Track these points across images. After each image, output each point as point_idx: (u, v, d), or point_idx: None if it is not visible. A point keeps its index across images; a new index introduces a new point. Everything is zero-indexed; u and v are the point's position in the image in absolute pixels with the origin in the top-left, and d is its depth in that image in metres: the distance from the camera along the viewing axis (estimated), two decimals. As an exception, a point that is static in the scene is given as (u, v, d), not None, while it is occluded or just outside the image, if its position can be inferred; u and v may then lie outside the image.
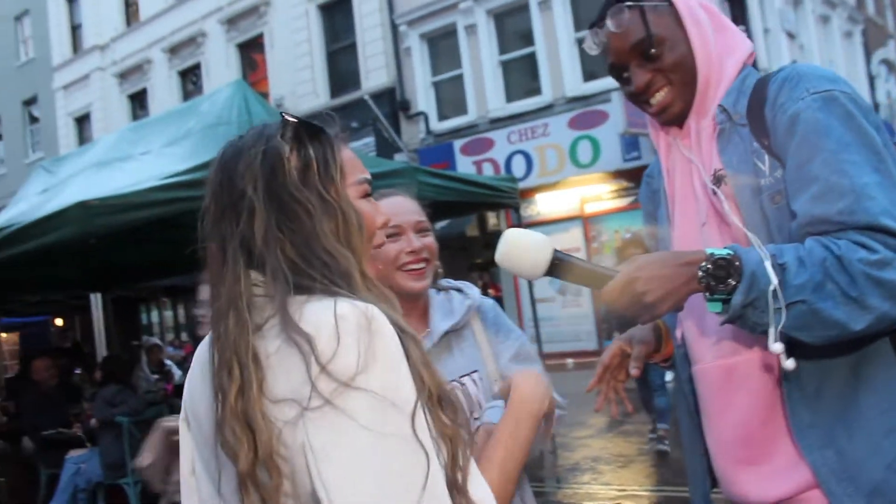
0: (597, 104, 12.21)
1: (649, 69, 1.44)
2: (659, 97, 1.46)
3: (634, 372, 1.56)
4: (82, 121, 20.99)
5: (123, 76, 19.70)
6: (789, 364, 1.22)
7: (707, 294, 1.24)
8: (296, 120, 1.05)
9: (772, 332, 1.20)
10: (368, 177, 1.14)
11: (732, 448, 1.44)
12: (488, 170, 13.13)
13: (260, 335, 0.95)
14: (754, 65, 1.50)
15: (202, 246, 1.06)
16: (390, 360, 0.91)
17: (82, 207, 4.31)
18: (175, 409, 6.36)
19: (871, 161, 1.25)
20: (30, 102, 22.72)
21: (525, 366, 1.63)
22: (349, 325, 0.90)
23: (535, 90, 13.24)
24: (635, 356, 1.57)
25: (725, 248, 1.24)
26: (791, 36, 13.57)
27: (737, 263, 1.21)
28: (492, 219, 13.21)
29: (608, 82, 12.11)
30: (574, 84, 12.72)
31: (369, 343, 0.90)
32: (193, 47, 17.86)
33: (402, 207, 1.76)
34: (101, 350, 10.78)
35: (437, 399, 0.94)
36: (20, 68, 22.73)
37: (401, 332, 0.94)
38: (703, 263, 1.22)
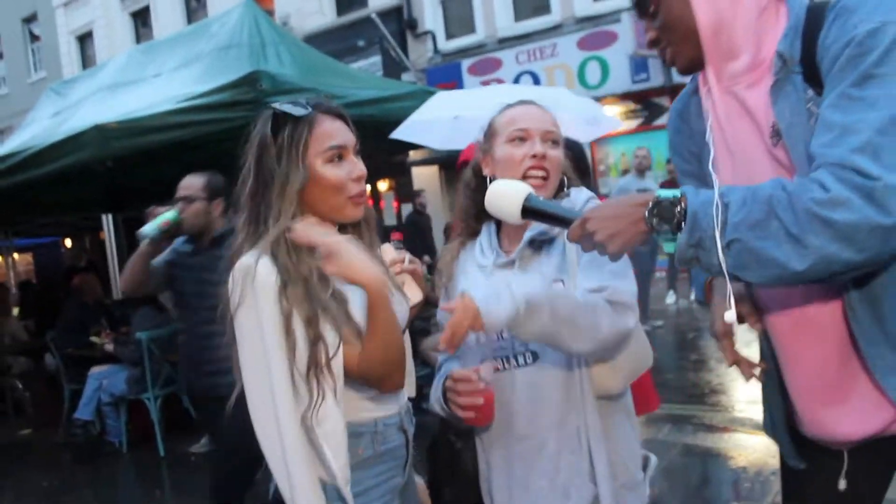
0: (606, 24, 11.99)
1: (654, 27, 1.46)
2: (666, 54, 1.47)
3: (758, 326, 1.53)
4: (84, 39, 20.65)
5: (124, -8, 19.29)
6: (728, 316, 1.30)
7: (655, 235, 1.26)
8: (278, 111, 1.51)
9: (724, 271, 1.20)
10: (336, 143, 1.54)
11: (812, 392, 1.48)
12: (496, 91, 12.99)
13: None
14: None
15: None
16: (255, 300, 1.43)
17: (99, 130, 4.35)
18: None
19: (891, 96, 1.14)
20: (29, 20, 22.29)
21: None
22: (237, 275, 1.46)
23: (545, 9, 12.96)
24: (748, 312, 1.54)
25: (676, 189, 1.26)
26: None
27: (682, 205, 1.22)
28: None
29: (618, 2, 11.86)
30: (583, 4, 12.46)
31: (243, 287, 1.44)
32: (196, -37, 17.44)
33: (532, 114, 1.79)
34: (114, 270, 10.97)
35: (307, 322, 1.43)
36: (17, -16, 22.26)
37: (287, 273, 1.44)
38: (650, 204, 1.25)
